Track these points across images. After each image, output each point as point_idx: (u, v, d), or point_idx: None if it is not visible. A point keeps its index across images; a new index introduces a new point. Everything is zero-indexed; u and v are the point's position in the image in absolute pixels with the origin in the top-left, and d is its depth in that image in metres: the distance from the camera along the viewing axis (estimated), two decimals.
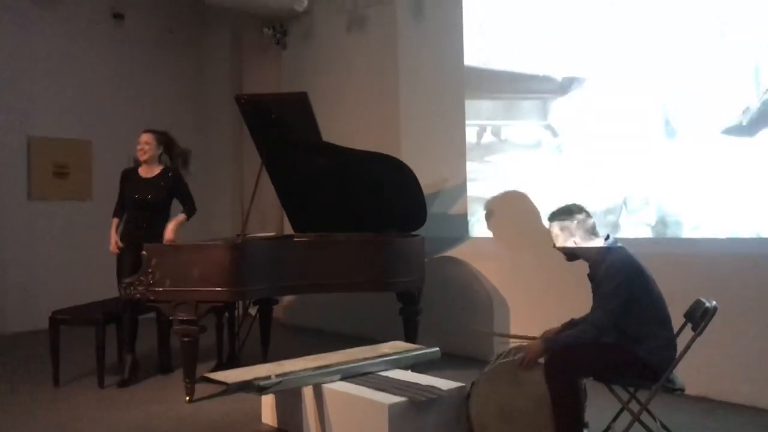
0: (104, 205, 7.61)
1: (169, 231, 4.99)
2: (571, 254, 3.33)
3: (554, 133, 5.66)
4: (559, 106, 5.59)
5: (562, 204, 3.42)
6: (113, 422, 4.14)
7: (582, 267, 3.36)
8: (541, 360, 3.17)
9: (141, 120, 7.68)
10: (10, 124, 7.14)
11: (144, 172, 5.16)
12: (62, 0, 7.39)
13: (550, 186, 5.51)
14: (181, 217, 5.15)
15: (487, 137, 6.14)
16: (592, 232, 3.28)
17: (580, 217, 3.29)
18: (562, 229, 3.30)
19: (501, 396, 3.27)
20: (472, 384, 3.38)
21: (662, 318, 3.14)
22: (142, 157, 5.13)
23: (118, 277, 4.88)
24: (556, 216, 3.35)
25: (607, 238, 3.31)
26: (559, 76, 5.55)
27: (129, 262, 4.87)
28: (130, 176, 5.20)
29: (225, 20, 8.43)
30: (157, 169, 5.16)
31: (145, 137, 5.17)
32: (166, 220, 5.09)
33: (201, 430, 3.97)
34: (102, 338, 4.82)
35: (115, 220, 5.22)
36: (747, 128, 4.50)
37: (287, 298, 7.23)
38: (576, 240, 3.26)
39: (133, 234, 5.02)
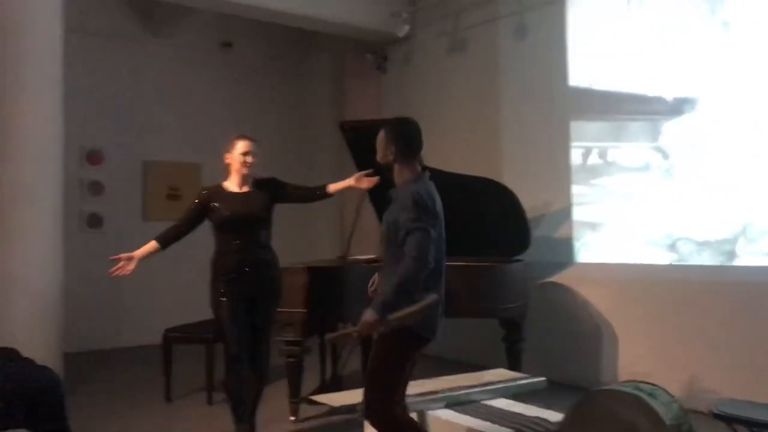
0: (211, 227, 7.96)
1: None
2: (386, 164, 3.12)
3: (665, 156, 5.42)
4: (670, 127, 5.37)
5: None
6: None
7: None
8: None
9: None
10: (127, 148, 7.56)
11: (237, 186, 4.07)
12: (174, 29, 7.78)
13: (660, 211, 5.29)
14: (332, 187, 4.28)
15: (593, 159, 5.96)
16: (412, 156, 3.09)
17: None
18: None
19: None
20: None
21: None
22: (249, 169, 4.04)
23: (234, 325, 3.93)
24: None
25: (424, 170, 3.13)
26: (669, 96, 5.33)
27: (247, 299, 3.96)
28: (216, 194, 4.06)
29: (327, 46, 8.62)
30: (249, 182, 4.09)
31: (251, 144, 4.07)
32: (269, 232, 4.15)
33: None
34: (211, 356, 4.99)
35: (154, 245, 4.27)
36: None
37: None
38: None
39: (250, 260, 3.97)
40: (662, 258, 5.30)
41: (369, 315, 2.83)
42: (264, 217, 4.04)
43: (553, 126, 5.99)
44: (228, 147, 4.05)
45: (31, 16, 5.03)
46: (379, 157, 3.13)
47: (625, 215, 5.57)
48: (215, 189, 4.08)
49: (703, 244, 5.06)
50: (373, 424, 2.99)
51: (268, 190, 4.09)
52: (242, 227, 3.99)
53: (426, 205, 2.93)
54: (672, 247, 5.27)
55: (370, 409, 2.97)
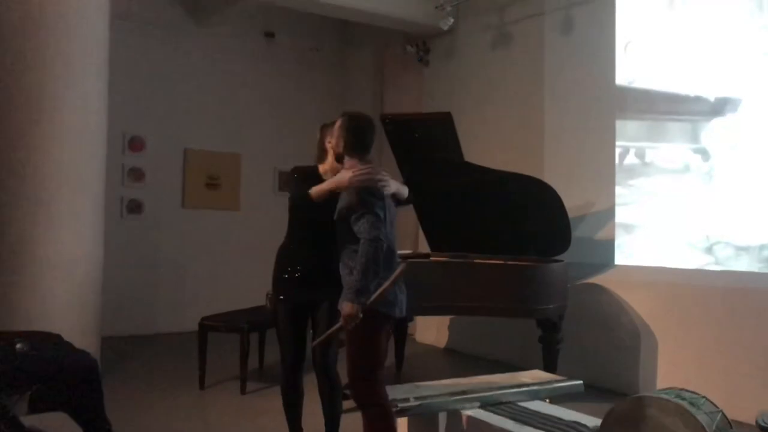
0: (251, 216, 8.06)
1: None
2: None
3: (705, 158, 5.28)
4: (711, 128, 5.21)
5: None
6: (253, 428, 4.27)
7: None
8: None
9: (286, 136, 8.02)
10: (168, 136, 7.62)
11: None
12: (218, 18, 7.81)
13: (699, 214, 5.15)
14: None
15: (630, 159, 5.82)
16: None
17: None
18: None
19: None
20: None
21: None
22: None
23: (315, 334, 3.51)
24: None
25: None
26: (711, 96, 5.17)
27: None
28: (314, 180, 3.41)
29: (368, 38, 8.59)
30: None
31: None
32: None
33: None
34: (246, 346, 5.01)
35: None
36: None
37: (420, 317, 7.21)
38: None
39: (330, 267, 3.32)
40: (698, 261, 5.18)
41: (347, 306, 2.99)
42: None
43: (598, 125, 5.86)
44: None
45: (79, 3, 5.08)
46: (333, 145, 3.35)
47: (661, 217, 5.45)
48: None
49: (742, 249, 4.93)
50: (362, 407, 3.15)
51: None
52: None
53: (372, 189, 3.12)
54: (709, 250, 5.14)
55: (358, 394, 3.14)
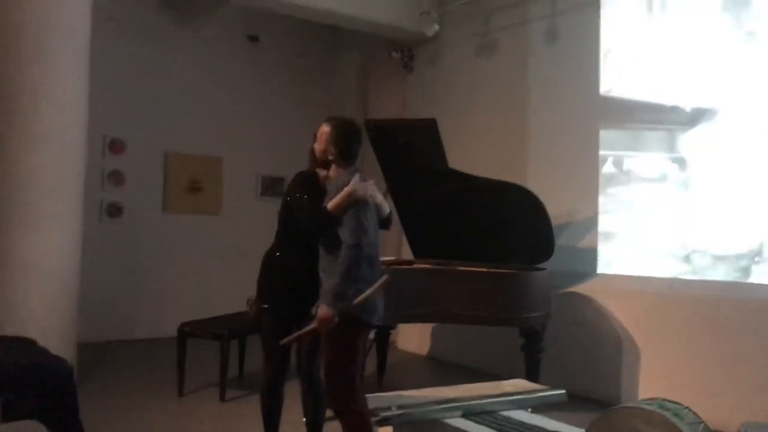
0: (233, 220, 7.98)
1: None
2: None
3: (682, 167, 5.32)
4: (687, 138, 5.24)
5: None
6: None
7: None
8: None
9: (269, 140, 7.96)
10: (149, 139, 7.53)
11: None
12: (202, 21, 7.74)
13: (676, 223, 5.18)
14: None
15: (608, 168, 5.85)
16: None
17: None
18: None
19: None
20: None
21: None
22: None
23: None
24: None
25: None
26: (688, 106, 5.21)
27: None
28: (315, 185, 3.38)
29: (353, 44, 8.56)
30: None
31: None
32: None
33: None
34: (226, 353, 4.95)
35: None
36: None
37: (402, 324, 7.18)
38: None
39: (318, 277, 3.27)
40: (676, 270, 5.21)
41: (324, 310, 3.02)
42: None
43: (582, 133, 5.87)
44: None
45: (60, 4, 5.00)
46: (319, 150, 3.29)
47: (639, 226, 5.48)
48: None
49: (719, 258, 4.97)
50: (339, 414, 3.15)
51: None
52: None
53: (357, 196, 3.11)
54: (686, 259, 5.17)
55: (336, 401, 3.14)
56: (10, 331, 4.22)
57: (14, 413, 3.22)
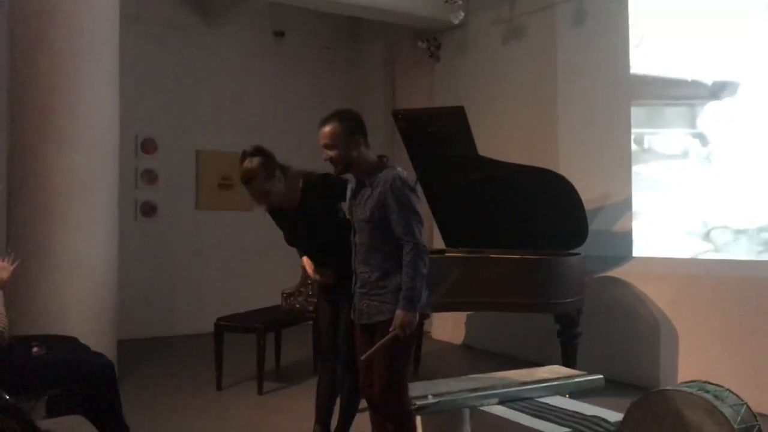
0: (265, 216, 7.98)
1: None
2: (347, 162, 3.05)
3: (703, 142, 5.21)
4: (708, 112, 5.12)
5: None
6: (271, 429, 4.25)
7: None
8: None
9: (298, 134, 7.98)
10: (180, 138, 7.62)
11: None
12: (227, 18, 7.79)
13: (698, 199, 5.09)
14: None
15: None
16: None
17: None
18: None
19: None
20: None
21: None
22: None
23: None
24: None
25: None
26: (709, 80, 5.09)
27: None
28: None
29: (379, 35, 8.54)
30: None
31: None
32: None
33: None
34: (263, 346, 4.98)
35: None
36: None
37: (436, 313, 7.17)
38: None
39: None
40: (696, 247, 5.14)
41: (405, 317, 2.84)
42: None
43: (612, 114, 5.78)
44: None
45: (89, 5, 5.08)
46: (339, 152, 3.04)
47: (661, 203, 5.40)
48: None
49: (740, 233, 4.89)
50: (391, 416, 3.00)
51: None
52: None
53: (412, 187, 2.96)
54: (706, 236, 5.07)
55: (390, 403, 2.98)
56: (53, 329, 4.32)
57: (59, 409, 3.31)
